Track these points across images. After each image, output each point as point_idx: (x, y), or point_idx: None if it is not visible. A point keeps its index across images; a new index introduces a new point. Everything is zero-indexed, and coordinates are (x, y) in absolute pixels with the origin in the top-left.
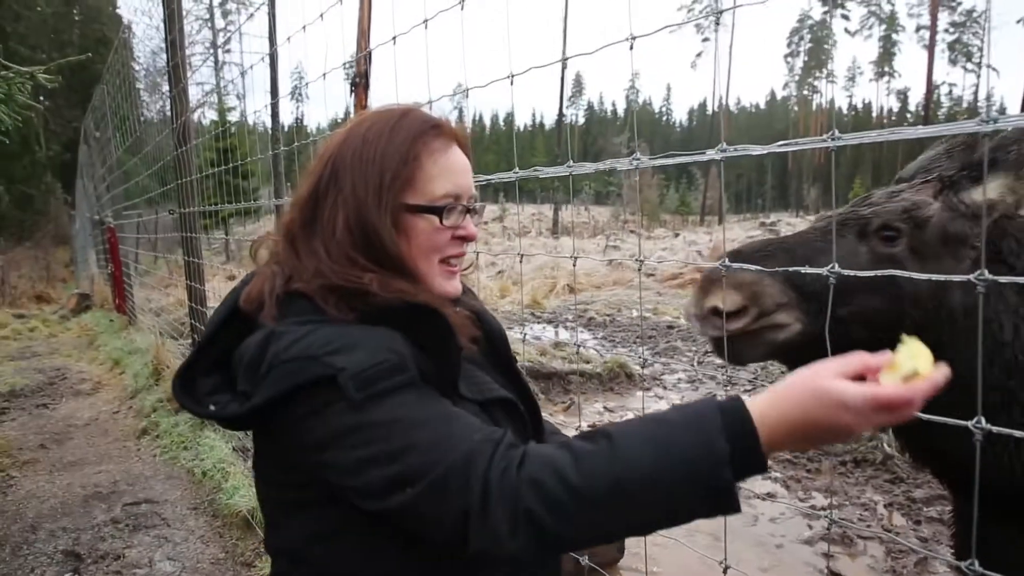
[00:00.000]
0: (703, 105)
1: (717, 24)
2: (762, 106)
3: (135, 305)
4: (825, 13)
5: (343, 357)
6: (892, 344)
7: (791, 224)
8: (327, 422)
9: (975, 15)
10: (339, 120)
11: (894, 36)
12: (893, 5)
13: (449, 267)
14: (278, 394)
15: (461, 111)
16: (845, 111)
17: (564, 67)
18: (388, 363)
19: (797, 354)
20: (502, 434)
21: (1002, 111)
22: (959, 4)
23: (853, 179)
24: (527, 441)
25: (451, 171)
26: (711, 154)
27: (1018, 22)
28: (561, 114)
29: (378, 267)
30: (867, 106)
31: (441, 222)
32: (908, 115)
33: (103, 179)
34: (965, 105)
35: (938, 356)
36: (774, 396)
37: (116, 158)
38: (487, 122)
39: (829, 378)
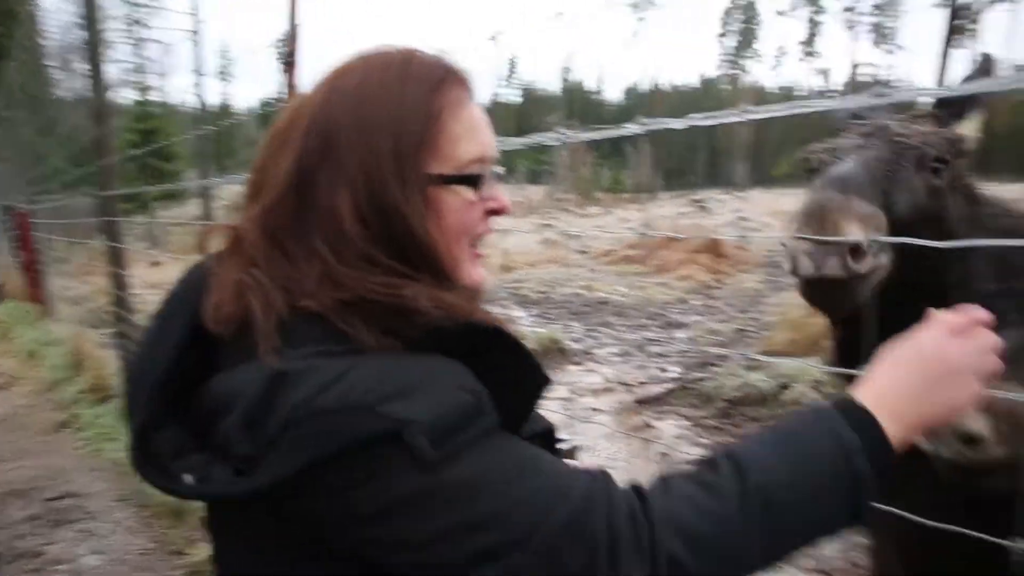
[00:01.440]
0: (637, 84)
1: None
2: (695, 85)
3: (52, 294)
4: None
5: (406, 404)
6: (938, 281)
7: (721, 200)
8: (386, 489)
9: None
10: (270, 100)
11: (819, 18)
12: None
13: (476, 251)
14: (315, 459)
15: None
16: (774, 90)
17: (498, 44)
18: (465, 406)
19: (877, 298)
20: (602, 471)
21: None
22: None
23: (780, 156)
24: None
25: (477, 128)
26: (632, 128)
27: (933, 6)
28: (495, 93)
29: (405, 265)
30: (794, 85)
31: (478, 194)
32: (832, 94)
33: (10, 161)
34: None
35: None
36: (870, 375)
37: (25, 139)
38: None
39: (915, 337)
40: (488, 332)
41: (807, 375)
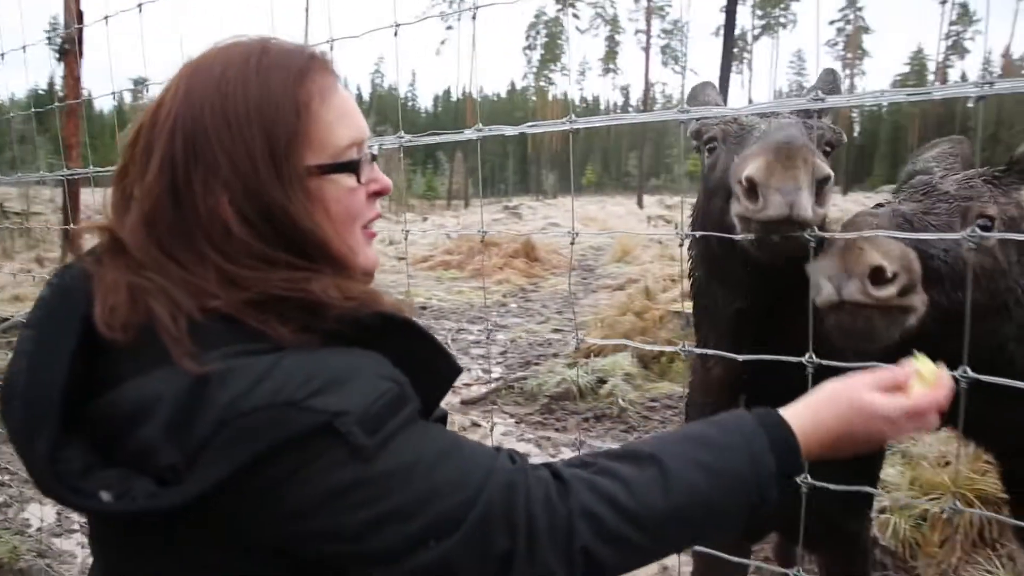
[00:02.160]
0: (448, 92)
1: (474, 18)
2: (503, 95)
3: None
4: (559, 11)
5: (335, 397)
6: (986, 338)
7: (532, 207)
8: (318, 481)
9: (680, 24)
10: (41, 91)
11: (617, 37)
12: (615, 9)
13: (369, 233)
14: (251, 459)
15: None
16: (578, 103)
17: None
18: (391, 394)
19: (906, 345)
20: (519, 454)
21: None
22: (667, 14)
23: (585, 166)
24: None
25: (349, 112)
26: (469, 133)
27: (712, 33)
28: None
29: (303, 259)
30: (596, 99)
31: (359, 179)
32: (630, 108)
33: None
34: (675, 101)
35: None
36: (814, 409)
37: None
38: None
39: (867, 392)
40: (400, 322)
41: (620, 368)
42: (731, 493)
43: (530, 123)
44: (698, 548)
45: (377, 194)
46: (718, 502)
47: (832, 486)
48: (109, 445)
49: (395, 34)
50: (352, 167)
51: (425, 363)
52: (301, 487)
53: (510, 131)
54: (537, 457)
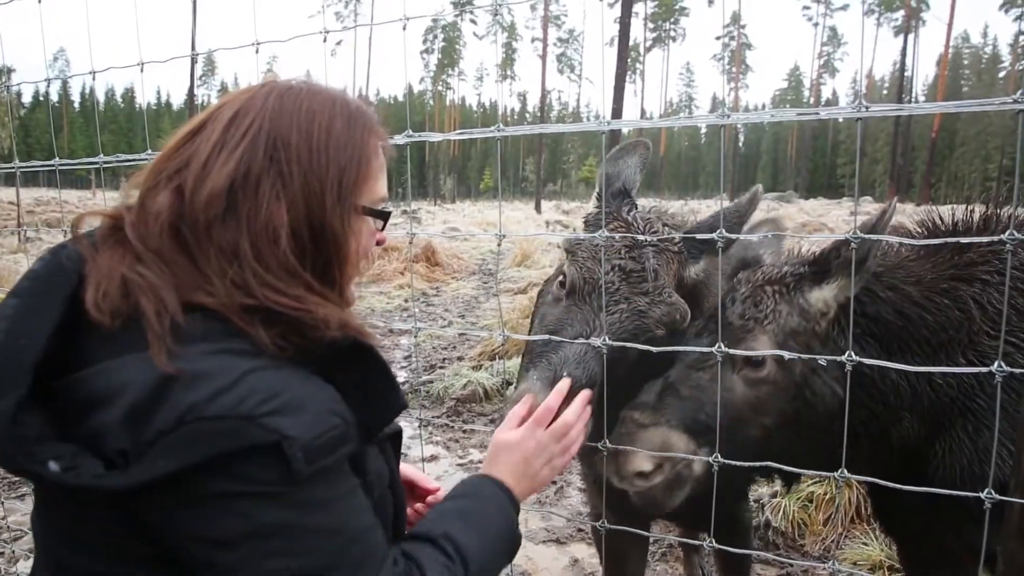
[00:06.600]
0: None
1: (370, 38)
2: (400, 98)
3: None
4: (456, 16)
5: (289, 420)
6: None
7: (431, 212)
8: (245, 490)
9: (576, 34)
10: None
11: (514, 44)
12: (513, 16)
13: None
14: (197, 460)
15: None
16: (475, 108)
17: (193, 47)
18: (335, 431)
19: (708, 484)
20: (396, 551)
21: (597, 116)
22: (564, 23)
23: (484, 171)
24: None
25: (383, 171)
26: (398, 139)
27: (606, 44)
28: (192, 94)
29: (318, 279)
30: (493, 104)
31: (384, 227)
32: (527, 115)
33: None
34: (571, 109)
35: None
36: (500, 466)
37: None
38: (100, 97)
39: (502, 434)
40: (367, 351)
41: None
42: (509, 547)
43: (459, 131)
44: (609, 527)
45: (378, 242)
46: (496, 550)
47: (737, 463)
48: (66, 420)
49: (324, 40)
50: (384, 215)
51: (378, 392)
52: (227, 494)
53: (436, 138)
54: (445, 459)
